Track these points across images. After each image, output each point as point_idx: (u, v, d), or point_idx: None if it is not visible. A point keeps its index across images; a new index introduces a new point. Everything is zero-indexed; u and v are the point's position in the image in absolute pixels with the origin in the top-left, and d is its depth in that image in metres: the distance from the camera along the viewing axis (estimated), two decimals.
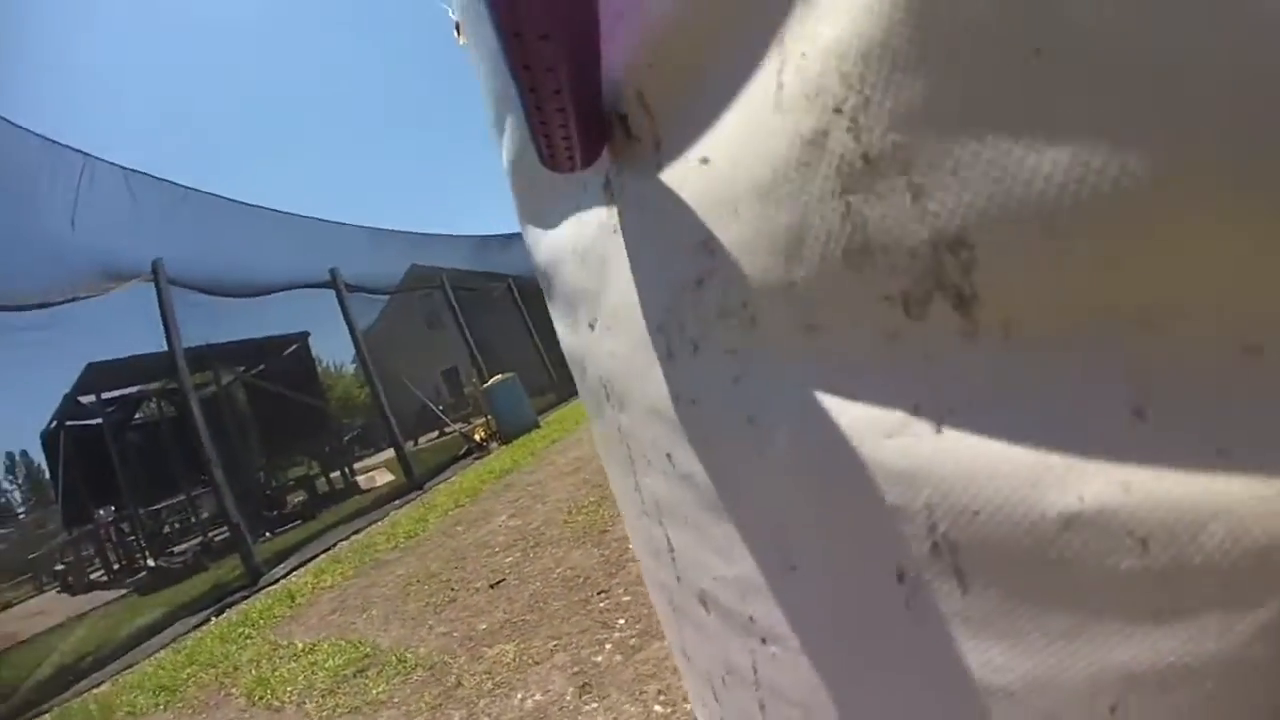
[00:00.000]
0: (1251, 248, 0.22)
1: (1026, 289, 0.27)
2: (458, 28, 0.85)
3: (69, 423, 12.30)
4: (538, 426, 11.17)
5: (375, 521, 7.69)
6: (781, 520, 0.41)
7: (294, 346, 13.53)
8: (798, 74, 0.32)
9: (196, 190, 9.27)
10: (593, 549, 3.60)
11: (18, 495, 67.04)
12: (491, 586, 3.63)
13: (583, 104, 0.36)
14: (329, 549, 6.87)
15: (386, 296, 14.61)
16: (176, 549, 11.23)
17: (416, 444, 14.74)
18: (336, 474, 13.10)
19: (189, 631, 5.38)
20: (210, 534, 11.09)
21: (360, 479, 11.65)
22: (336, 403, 16.27)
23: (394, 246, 14.58)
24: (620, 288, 0.54)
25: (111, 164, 7.96)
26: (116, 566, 12.56)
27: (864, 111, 0.30)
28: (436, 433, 17.03)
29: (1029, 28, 0.24)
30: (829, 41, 0.30)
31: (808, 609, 0.41)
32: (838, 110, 0.31)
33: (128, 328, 8.41)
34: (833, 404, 0.35)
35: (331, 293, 10.97)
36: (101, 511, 12.25)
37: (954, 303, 0.29)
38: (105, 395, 11.83)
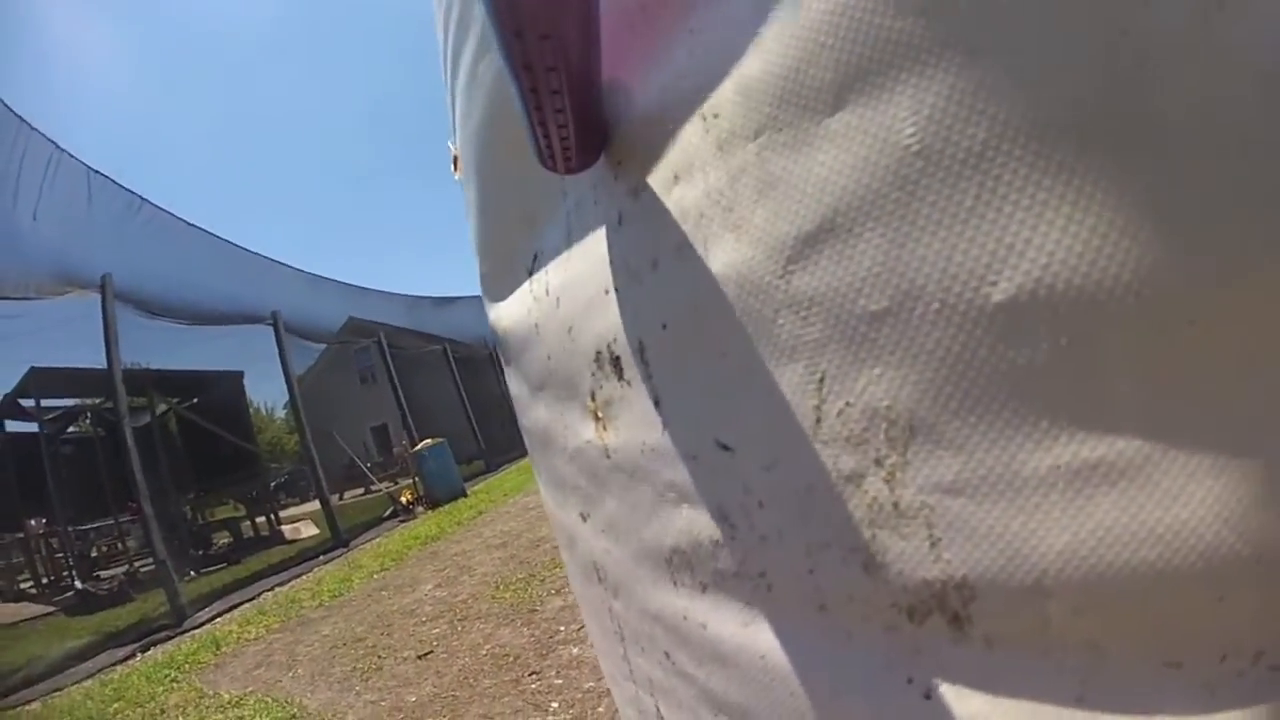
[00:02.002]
0: None
1: (1010, 619, 0.34)
2: (455, 161, 0.87)
3: (6, 423, 11.92)
4: (465, 495, 11.38)
5: (300, 575, 7.77)
6: None
7: (228, 384, 13.41)
8: (840, 419, 0.37)
9: (150, 202, 9.08)
10: (522, 628, 3.65)
11: None
12: (420, 657, 3.67)
13: (582, 104, 0.36)
14: (253, 599, 6.94)
15: (322, 346, 14.60)
16: (103, 574, 10.89)
17: (342, 498, 14.66)
18: (262, 519, 12.91)
19: (115, 664, 5.42)
20: (136, 564, 10.84)
21: (285, 529, 11.55)
22: (265, 447, 16.04)
23: (333, 295, 14.58)
24: (620, 503, 0.63)
25: (77, 160, 7.76)
26: (45, 581, 12.08)
27: (901, 470, 0.35)
28: (363, 489, 16.94)
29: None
30: (879, 405, 0.36)
31: None
32: (878, 463, 0.36)
33: (69, 337, 8.24)
34: (839, 666, 0.42)
35: (266, 333, 10.93)
36: (33, 522, 11.83)
37: (949, 619, 0.35)
38: (45, 403, 11.57)
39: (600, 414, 0.61)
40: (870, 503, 0.37)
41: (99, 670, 5.33)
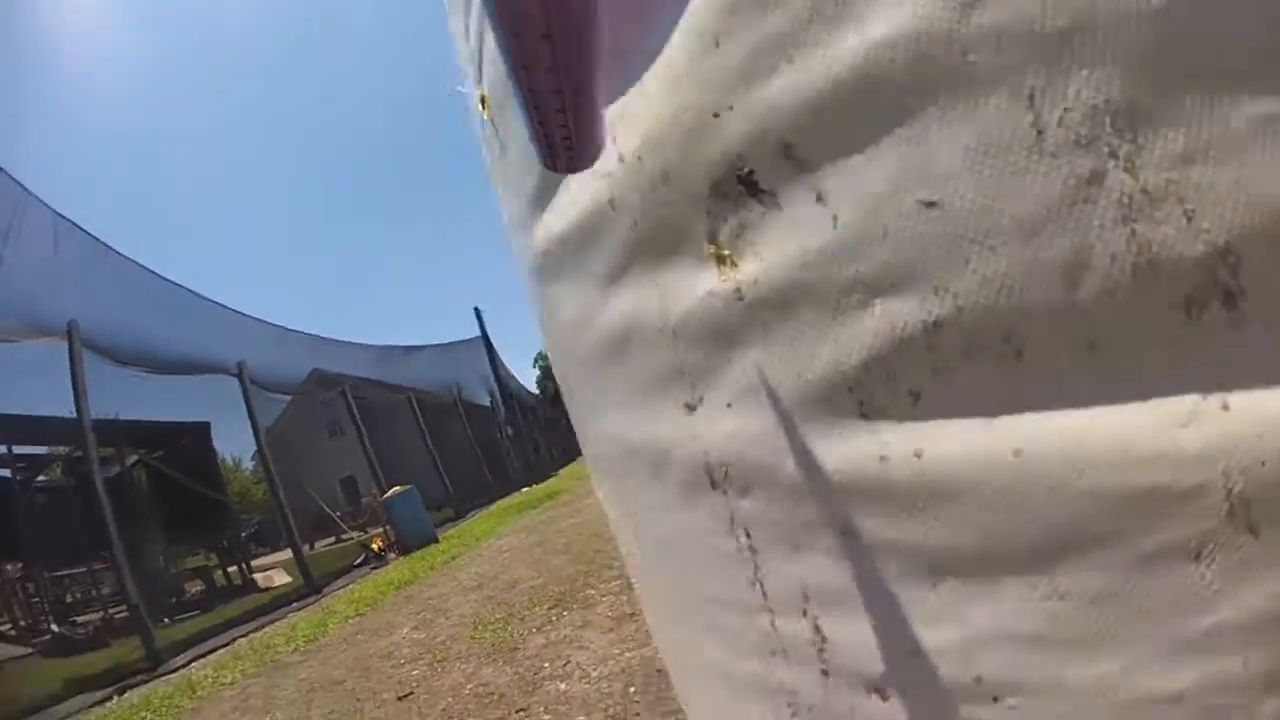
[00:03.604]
0: None
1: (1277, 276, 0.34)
2: (483, 100, 0.85)
3: None
4: (436, 541, 11.38)
5: (274, 621, 7.73)
6: (1051, 553, 0.40)
7: (195, 435, 13.36)
8: (1063, 126, 0.37)
9: (116, 251, 9.15)
10: (505, 666, 3.63)
11: None
12: (400, 699, 3.64)
13: (582, 104, 0.36)
14: (228, 644, 6.89)
15: (288, 398, 14.57)
16: (79, 619, 10.73)
17: (313, 548, 14.53)
18: (234, 569, 12.77)
19: (91, 706, 5.41)
20: (110, 610, 10.70)
21: (258, 577, 11.46)
22: (233, 498, 15.90)
23: (298, 346, 14.69)
24: (754, 361, 0.54)
25: (44, 204, 7.86)
26: (21, 624, 11.86)
27: (1138, 155, 0.36)
28: (333, 539, 16.78)
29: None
30: (1096, 102, 0.37)
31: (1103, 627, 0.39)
32: (1112, 154, 0.36)
33: (36, 384, 8.26)
34: (1116, 412, 0.38)
35: (231, 385, 10.99)
36: (10, 566, 11.62)
37: (1223, 300, 0.35)
38: (16, 450, 11.44)
39: (727, 250, 0.54)
40: (1119, 198, 0.36)
41: (75, 712, 5.31)
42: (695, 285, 0.58)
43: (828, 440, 0.50)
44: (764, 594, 0.59)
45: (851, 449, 0.49)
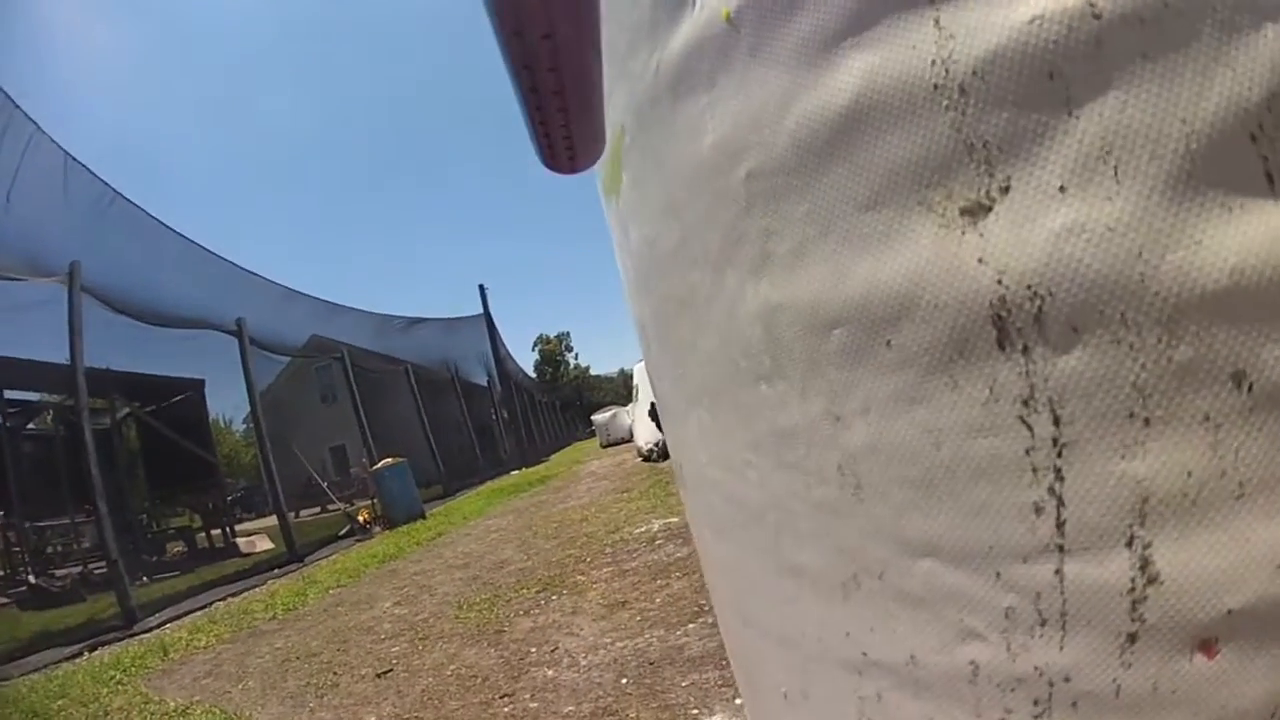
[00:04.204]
0: None
1: None
2: None
3: None
4: (424, 518, 11.32)
5: (253, 587, 7.63)
6: None
7: (189, 392, 13.22)
8: None
9: (125, 197, 9.02)
10: (489, 648, 3.52)
11: None
12: (378, 675, 3.53)
13: (583, 104, 0.36)
14: (205, 607, 6.79)
15: (285, 360, 14.47)
16: (57, 572, 10.61)
17: (298, 516, 14.45)
18: (217, 532, 12.64)
19: (61, 661, 5.30)
20: (89, 565, 10.59)
21: (240, 541, 11.35)
22: (223, 459, 15.80)
23: (299, 309, 14.52)
24: (1112, 110, 0.40)
25: (55, 144, 7.74)
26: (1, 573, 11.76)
27: None
28: (319, 508, 16.67)
29: None
30: None
31: None
32: None
33: (30, 324, 8.14)
34: None
35: (228, 344, 10.82)
36: None
37: None
38: (7, 395, 11.30)
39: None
40: None
41: (45, 666, 5.20)
42: (1012, 10, 0.39)
43: (1224, 224, 0.34)
44: (1058, 521, 0.40)
45: (1257, 232, 0.33)
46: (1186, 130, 0.34)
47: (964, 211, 0.42)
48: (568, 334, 79.95)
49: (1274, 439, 0.34)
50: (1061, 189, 0.38)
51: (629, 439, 16.62)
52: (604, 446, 21.32)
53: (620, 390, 49.05)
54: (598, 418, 23.30)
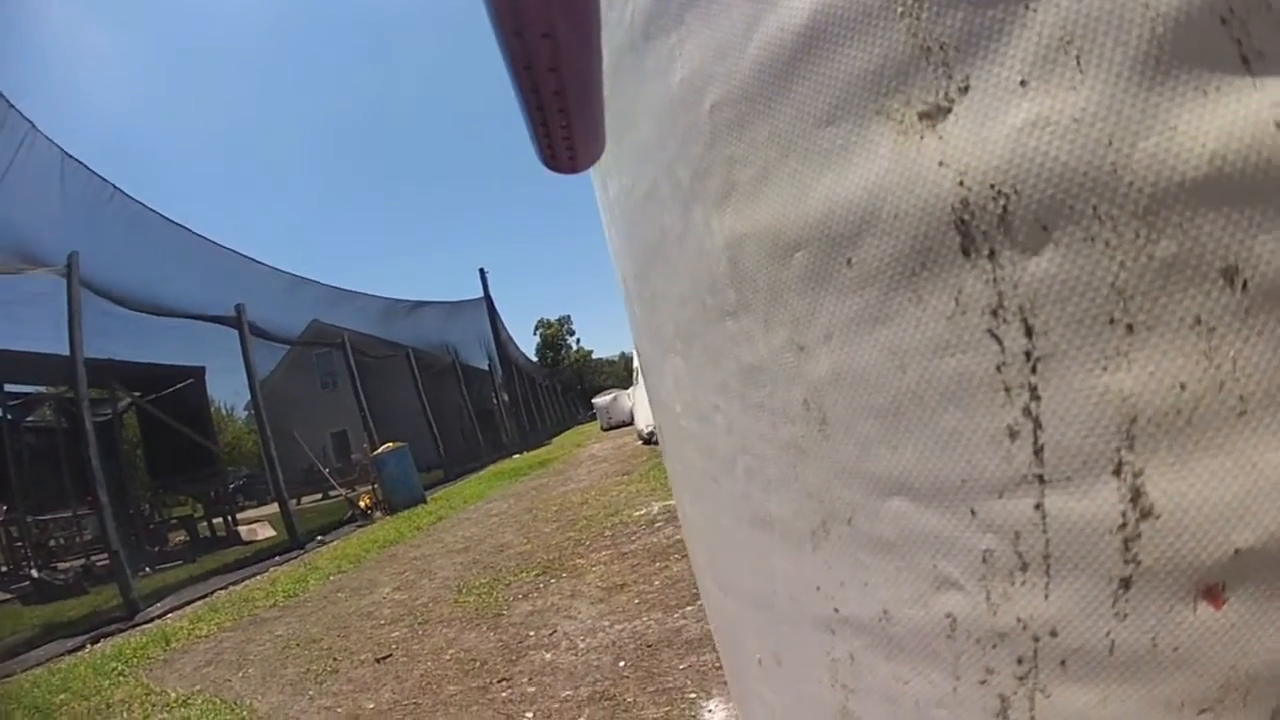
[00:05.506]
0: None
1: None
2: None
3: None
4: (425, 502, 11.35)
5: (255, 575, 7.63)
6: None
7: (189, 380, 13.20)
8: None
9: (123, 192, 9.00)
10: (488, 632, 3.51)
11: None
12: (378, 660, 3.52)
13: (583, 104, 0.36)
14: (206, 596, 6.80)
15: (285, 348, 14.39)
16: (60, 565, 10.66)
17: (300, 503, 14.50)
18: (219, 520, 12.66)
19: (64, 654, 5.30)
20: (92, 557, 10.63)
21: (242, 529, 11.37)
22: (224, 447, 15.82)
23: (300, 295, 14.41)
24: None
25: (52, 142, 7.73)
26: (3, 569, 11.81)
27: None
28: (320, 495, 16.71)
29: None
30: None
31: None
32: None
33: (29, 316, 8.12)
34: None
35: (228, 332, 10.77)
36: None
37: None
38: (7, 388, 11.29)
39: None
40: None
41: (48, 659, 5.20)
42: None
43: (1199, 108, 0.31)
44: (1036, 447, 0.37)
45: (1237, 115, 0.30)
46: (1150, 15, 0.32)
47: (922, 115, 0.40)
48: (569, 318, 80.00)
49: (1276, 344, 0.31)
50: (1022, 83, 0.36)
51: (630, 422, 16.66)
52: (605, 429, 21.34)
53: (621, 373, 49.18)
54: (599, 401, 23.32)
